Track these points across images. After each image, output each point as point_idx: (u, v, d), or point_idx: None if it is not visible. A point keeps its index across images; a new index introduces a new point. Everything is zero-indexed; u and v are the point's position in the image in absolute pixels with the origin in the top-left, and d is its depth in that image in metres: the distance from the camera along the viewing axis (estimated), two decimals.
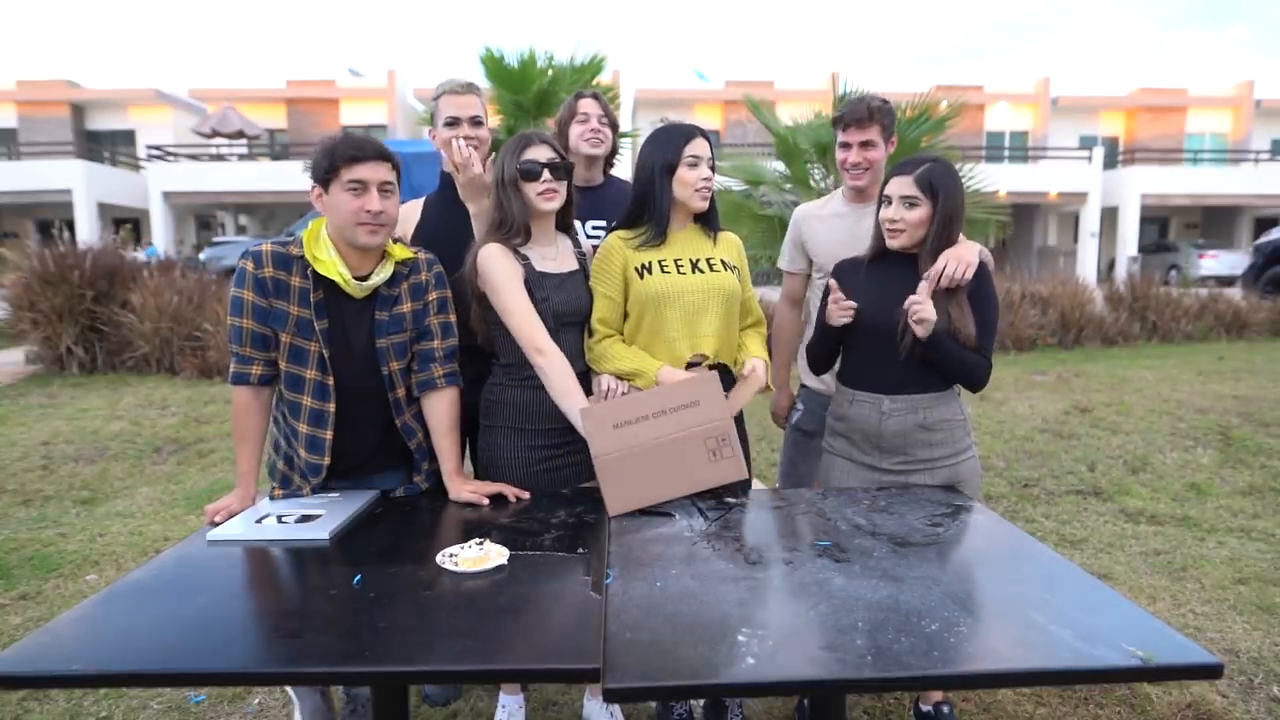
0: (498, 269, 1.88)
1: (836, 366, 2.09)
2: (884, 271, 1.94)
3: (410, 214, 2.21)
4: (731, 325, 2.02)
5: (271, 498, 1.85)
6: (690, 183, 1.94)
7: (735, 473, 1.76)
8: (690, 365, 1.95)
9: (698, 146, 1.94)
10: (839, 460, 2.02)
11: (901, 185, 1.87)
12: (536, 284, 1.91)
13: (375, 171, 1.71)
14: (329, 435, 1.79)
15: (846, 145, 2.22)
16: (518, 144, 1.93)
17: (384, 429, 1.87)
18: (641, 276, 1.94)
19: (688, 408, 1.73)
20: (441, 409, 1.88)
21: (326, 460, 1.80)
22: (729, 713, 2.11)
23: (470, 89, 2.18)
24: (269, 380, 1.81)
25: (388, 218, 1.74)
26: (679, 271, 1.95)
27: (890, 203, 1.89)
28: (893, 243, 1.90)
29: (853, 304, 1.86)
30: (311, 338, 1.75)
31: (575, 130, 2.34)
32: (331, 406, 1.78)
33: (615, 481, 1.71)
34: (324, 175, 1.71)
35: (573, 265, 2.01)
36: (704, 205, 1.98)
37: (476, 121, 2.16)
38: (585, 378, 1.98)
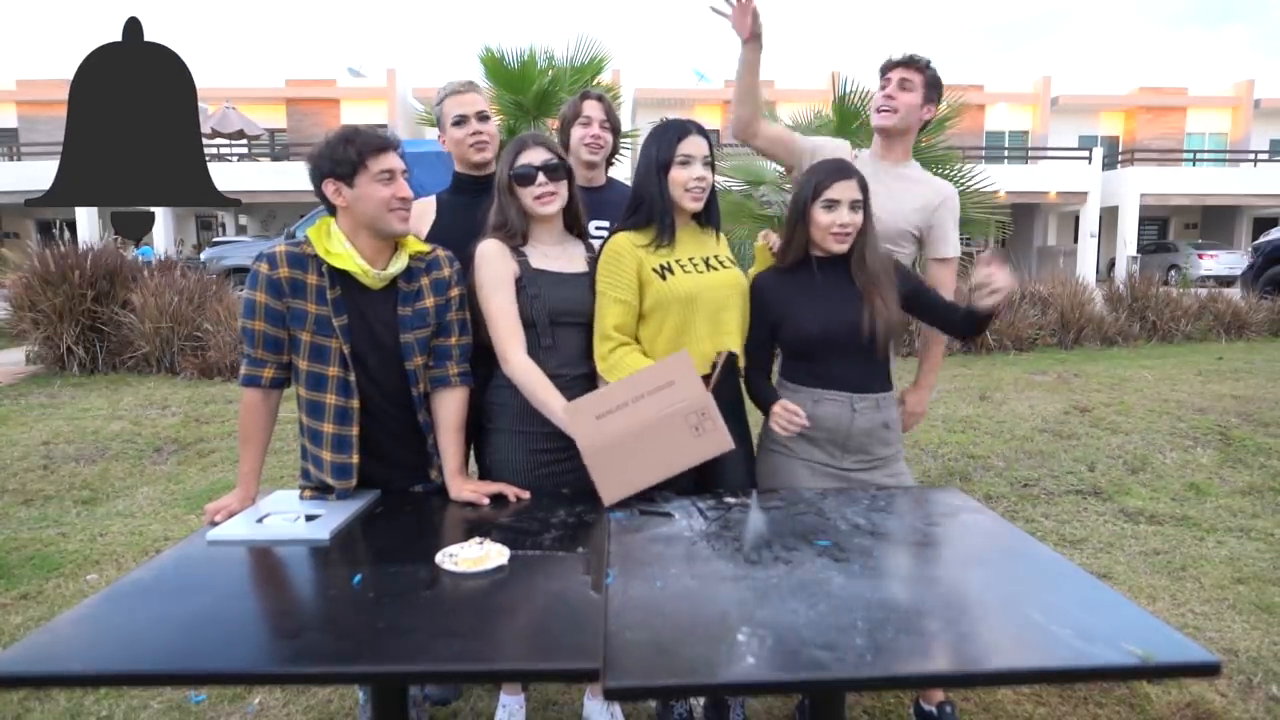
0: (486, 271, 1.90)
1: (777, 368, 2.11)
2: (820, 276, 1.97)
3: (424, 212, 2.21)
4: (747, 320, 2.04)
5: (302, 498, 1.84)
6: (681, 182, 1.92)
7: (720, 445, 1.75)
8: (716, 365, 1.94)
9: (690, 145, 1.91)
10: (798, 463, 2.00)
11: (850, 189, 1.90)
12: (530, 280, 1.90)
13: (398, 161, 1.76)
14: (355, 431, 1.79)
15: (887, 82, 2.23)
16: (513, 148, 1.94)
17: (409, 426, 1.88)
18: (664, 277, 1.92)
19: (664, 389, 1.73)
20: (451, 407, 1.89)
21: (355, 459, 1.79)
22: (730, 711, 2.11)
23: (470, 86, 2.21)
24: (280, 384, 1.81)
25: (411, 203, 1.78)
26: (697, 270, 1.95)
27: (837, 206, 1.90)
28: (840, 247, 1.93)
29: (804, 420, 1.89)
30: (332, 334, 1.75)
31: (576, 133, 2.36)
32: (355, 403, 1.78)
33: (605, 471, 1.73)
34: (350, 169, 1.72)
35: (581, 268, 1.99)
36: (696, 206, 1.95)
37: (483, 116, 2.20)
38: (590, 380, 1.97)
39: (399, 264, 1.81)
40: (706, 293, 1.93)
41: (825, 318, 1.93)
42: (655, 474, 1.74)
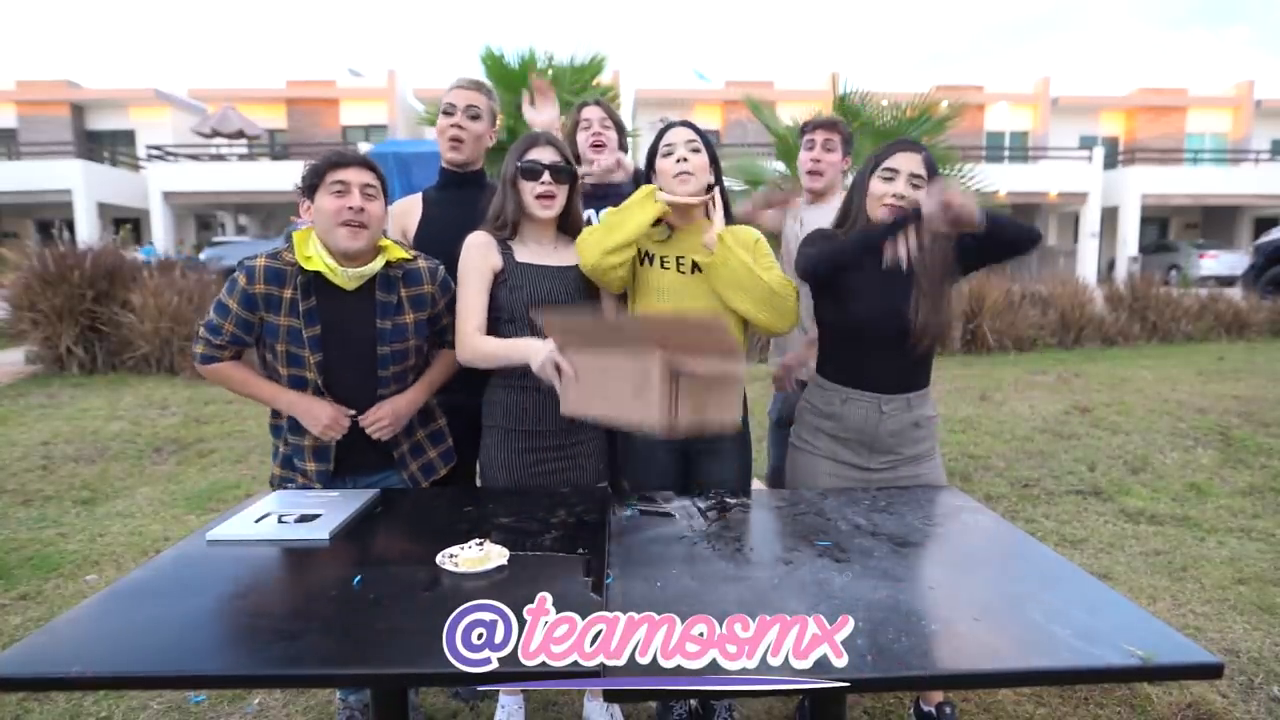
0: (463, 262, 1.91)
1: (814, 362, 2.07)
2: (875, 259, 1.88)
3: (410, 209, 2.21)
4: (737, 327, 1.96)
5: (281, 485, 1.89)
6: (666, 172, 1.91)
7: (646, 417, 1.56)
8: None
9: (672, 135, 1.94)
10: (821, 460, 1.97)
11: (912, 161, 1.85)
12: (511, 273, 1.90)
13: (358, 175, 1.77)
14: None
15: (811, 144, 2.50)
16: (525, 142, 1.94)
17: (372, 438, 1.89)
18: (642, 263, 1.94)
19: (632, 342, 1.60)
20: (436, 362, 1.98)
21: (310, 442, 1.85)
22: (716, 717, 2.10)
23: (477, 86, 2.20)
24: (238, 357, 1.89)
25: (369, 217, 1.77)
26: (679, 270, 1.92)
27: (895, 176, 1.86)
28: (894, 209, 1.86)
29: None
30: (302, 346, 1.79)
31: (580, 138, 2.44)
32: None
33: (568, 384, 1.69)
34: (311, 183, 1.78)
35: (570, 262, 1.97)
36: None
37: (473, 115, 2.17)
38: None
39: (374, 266, 1.82)
40: (680, 297, 1.91)
41: (871, 306, 1.86)
42: (602, 411, 1.64)
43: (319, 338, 1.79)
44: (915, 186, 1.85)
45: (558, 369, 1.69)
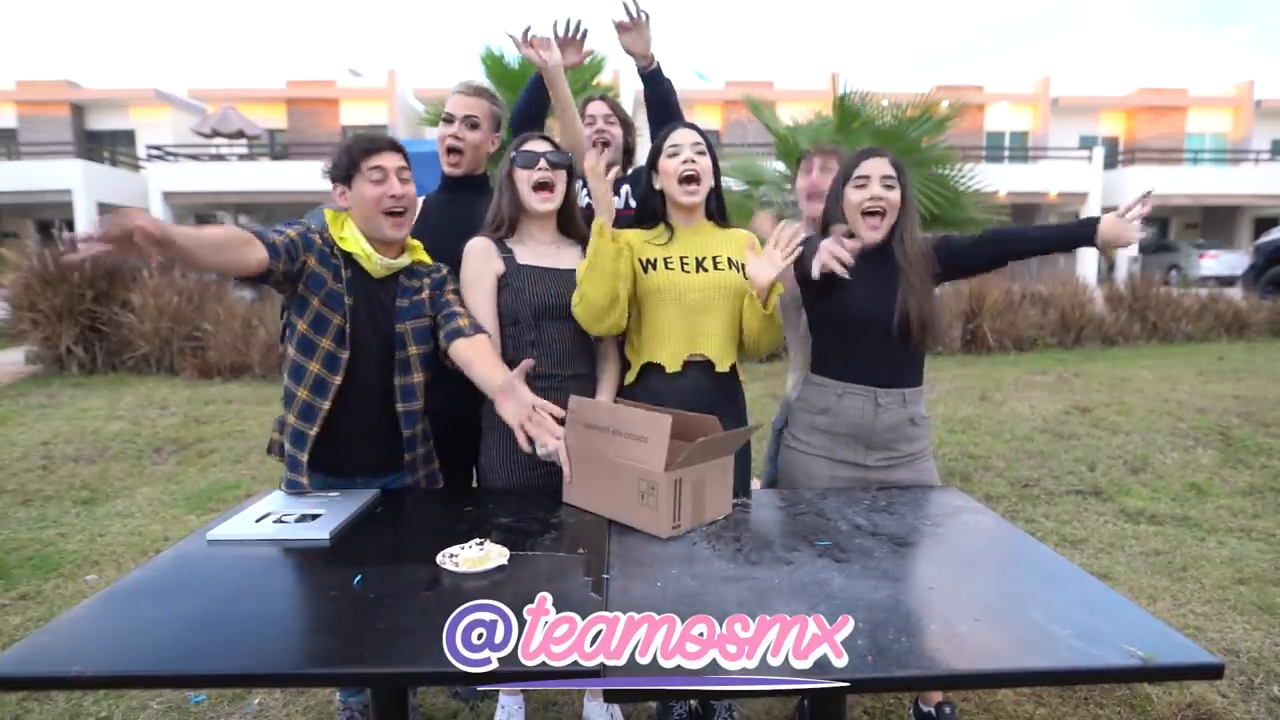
0: (467, 268, 1.93)
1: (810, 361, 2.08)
2: (863, 261, 1.89)
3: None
4: (736, 323, 1.97)
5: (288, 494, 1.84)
6: (671, 172, 1.93)
7: (654, 528, 1.59)
8: (688, 364, 1.93)
9: (678, 136, 1.94)
10: (817, 460, 1.97)
11: (881, 165, 1.90)
12: (514, 275, 1.91)
13: (392, 160, 1.82)
14: (326, 406, 1.80)
15: (809, 170, 2.42)
16: (519, 139, 1.97)
17: (384, 421, 1.88)
18: (645, 271, 1.94)
19: (637, 441, 1.63)
20: (476, 346, 1.81)
21: (314, 431, 1.80)
22: (716, 716, 2.10)
23: (478, 92, 2.19)
24: (265, 262, 1.70)
25: (409, 202, 1.83)
26: (683, 269, 1.93)
27: (868, 182, 1.89)
28: (874, 221, 1.90)
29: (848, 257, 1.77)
30: (338, 310, 1.80)
31: (585, 133, 2.42)
32: (338, 379, 1.80)
33: (572, 475, 1.73)
34: (346, 172, 1.81)
35: (572, 265, 1.97)
36: (690, 199, 1.93)
37: (472, 124, 2.17)
38: (583, 380, 1.97)
39: (403, 261, 1.87)
40: (684, 294, 1.92)
41: (860, 303, 1.89)
42: (605, 509, 1.69)
43: (354, 309, 1.81)
44: (889, 187, 1.90)
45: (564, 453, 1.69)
